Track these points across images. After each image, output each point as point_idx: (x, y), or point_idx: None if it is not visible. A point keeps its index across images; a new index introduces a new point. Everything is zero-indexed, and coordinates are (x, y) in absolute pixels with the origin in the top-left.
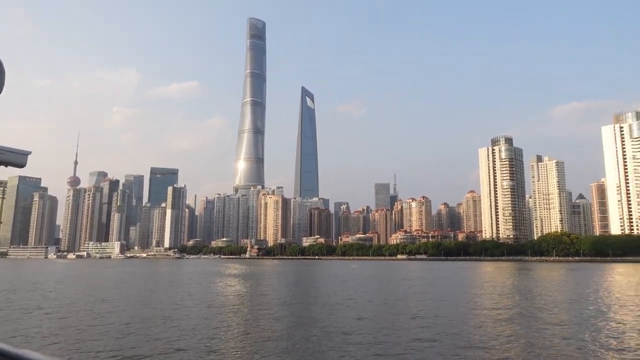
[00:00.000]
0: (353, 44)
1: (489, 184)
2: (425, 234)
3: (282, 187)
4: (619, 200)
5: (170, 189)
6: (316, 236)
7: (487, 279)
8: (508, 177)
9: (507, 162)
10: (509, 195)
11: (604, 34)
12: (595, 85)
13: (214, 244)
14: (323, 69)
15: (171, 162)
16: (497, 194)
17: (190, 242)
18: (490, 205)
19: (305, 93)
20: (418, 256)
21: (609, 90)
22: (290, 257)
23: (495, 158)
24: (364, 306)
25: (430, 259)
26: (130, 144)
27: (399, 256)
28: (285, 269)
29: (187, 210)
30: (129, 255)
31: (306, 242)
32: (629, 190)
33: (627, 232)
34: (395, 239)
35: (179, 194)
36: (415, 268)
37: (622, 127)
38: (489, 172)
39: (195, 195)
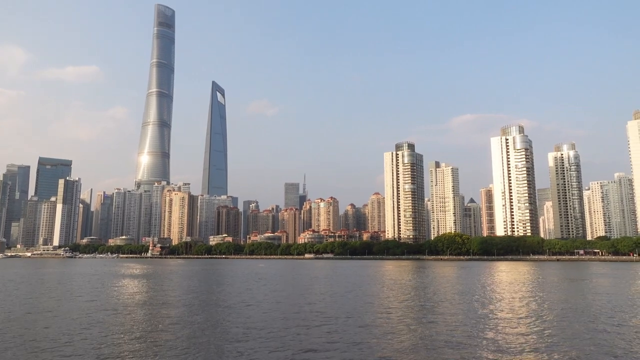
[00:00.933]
0: (266, 41)
1: (392, 187)
2: (332, 234)
3: (189, 184)
4: (503, 205)
5: (61, 181)
6: (224, 235)
7: (388, 276)
8: (409, 181)
9: (409, 167)
10: (410, 198)
11: (497, 52)
12: (490, 100)
13: (111, 242)
14: (235, 65)
15: (64, 152)
16: (399, 196)
17: (85, 240)
18: (393, 207)
19: (216, 88)
20: (325, 255)
21: (499, 104)
22: (196, 256)
23: (398, 162)
24: (268, 305)
25: (337, 257)
26: (13, 131)
27: (306, 255)
28: (189, 269)
29: (81, 205)
30: (9, 254)
31: (213, 240)
32: (511, 196)
33: (509, 233)
34: (304, 238)
35: (72, 187)
36: (321, 266)
37: (507, 139)
38: (392, 175)
39: (92, 189)
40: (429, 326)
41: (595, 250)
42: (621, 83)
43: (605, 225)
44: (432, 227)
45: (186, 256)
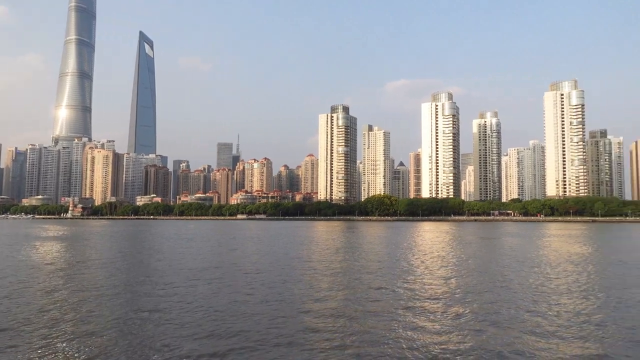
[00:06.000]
0: None
1: (326, 149)
2: (265, 195)
3: (113, 141)
4: (430, 169)
5: None
6: (152, 195)
7: (320, 236)
8: (343, 144)
9: (343, 130)
10: (343, 161)
11: (435, 21)
12: (423, 65)
13: (25, 202)
14: (165, 15)
15: None
16: (332, 158)
17: None
18: (327, 169)
19: (143, 39)
20: (257, 216)
21: (434, 71)
22: (121, 217)
23: (333, 125)
24: (195, 266)
25: (269, 218)
26: None
27: (239, 216)
28: (112, 230)
29: None
30: None
31: (140, 201)
32: (438, 160)
33: (434, 195)
34: (236, 199)
35: None
36: (254, 227)
37: (437, 106)
38: (327, 137)
39: (1, 144)
40: (353, 282)
41: (509, 212)
42: (541, 55)
43: (519, 188)
44: (363, 189)
45: (110, 217)
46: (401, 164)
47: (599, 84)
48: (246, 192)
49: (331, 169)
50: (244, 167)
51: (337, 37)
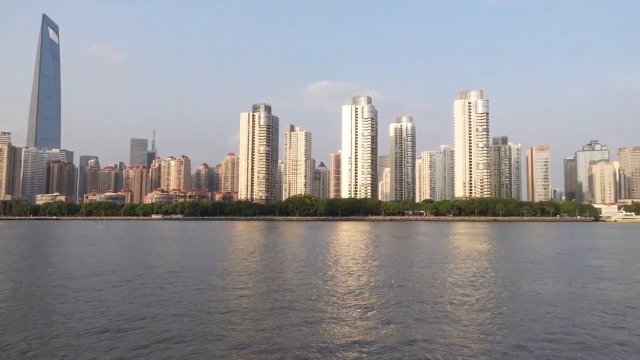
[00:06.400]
0: None
1: (248, 148)
2: (183, 194)
3: (9, 134)
4: (349, 170)
5: None
6: (55, 193)
7: (239, 236)
8: (265, 143)
9: (265, 129)
10: (264, 160)
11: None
12: (344, 68)
13: None
14: None
15: None
16: (254, 157)
17: None
18: (247, 168)
19: (47, 23)
20: (174, 216)
21: (355, 74)
22: (18, 217)
23: (255, 124)
24: (93, 270)
25: (187, 218)
26: None
27: (153, 216)
28: (5, 233)
29: None
30: None
31: (41, 200)
32: (357, 161)
33: (353, 196)
34: (151, 198)
35: None
36: (169, 227)
37: (357, 108)
38: (248, 136)
39: None
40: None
41: (421, 211)
42: (454, 64)
43: (431, 189)
44: (284, 188)
45: (5, 217)
46: (322, 164)
47: (502, 93)
48: (162, 191)
49: (252, 169)
50: (160, 165)
51: (261, 34)
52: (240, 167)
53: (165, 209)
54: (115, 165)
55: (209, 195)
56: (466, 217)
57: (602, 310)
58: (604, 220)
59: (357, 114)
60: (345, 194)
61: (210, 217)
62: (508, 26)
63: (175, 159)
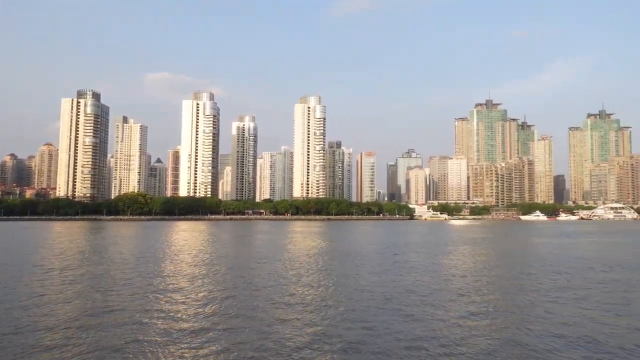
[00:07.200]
0: None
1: (70, 138)
2: None
3: None
4: (189, 167)
5: None
6: None
7: (53, 239)
8: (91, 134)
9: (92, 118)
10: (90, 153)
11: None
12: (188, 61)
13: None
14: None
15: None
16: (77, 149)
17: None
18: (69, 161)
19: None
20: None
21: (198, 69)
22: None
23: (80, 112)
24: None
25: None
26: None
27: None
28: None
29: None
30: None
31: None
32: (197, 159)
33: (192, 194)
34: None
35: None
36: None
37: (198, 104)
38: (71, 125)
39: None
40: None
41: (261, 211)
42: (295, 71)
43: (271, 189)
44: (114, 185)
45: None
46: (159, 160)
47: (338, 100)
48: None
49: (75, 162)
50: None
51: (103, 20)
52: (60, 160)
53: None
54: None
55: (18, 192)
56: (303, 216)
57: (415, 294)
58: (417, 219)
59: (198, 110)
60: (183, 193)
61: (18, 217)
62: (347, 39)
63: None
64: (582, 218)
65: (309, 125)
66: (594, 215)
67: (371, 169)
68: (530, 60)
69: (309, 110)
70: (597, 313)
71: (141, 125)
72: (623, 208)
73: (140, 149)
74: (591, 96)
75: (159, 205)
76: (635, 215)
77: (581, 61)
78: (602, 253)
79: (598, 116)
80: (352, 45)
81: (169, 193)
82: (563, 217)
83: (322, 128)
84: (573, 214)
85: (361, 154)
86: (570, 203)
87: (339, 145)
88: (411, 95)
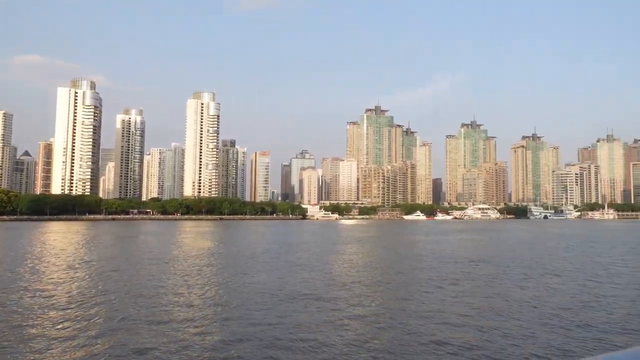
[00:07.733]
0: None
1: None
2: None
3: None
4: (64, 162)
5: None
6: None
7: None
8: None
9: None
10: None
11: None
12: (66, 45)
13: None
14: None
15: None
16: None
17: None
18: None
19: None
20: None
21: (78, 54)
22: None
23: None
24: None
25: None
26: None
27: None
28: None
29: None
30: None
31: None
32: (74, 153)
33: (67, 192)
34: None
35: None
36: None
37: (77, 93)
38: None
39: None
40: None
41: (148, 210)
42: (187, 64)
43: (159, 187)
44: None
45: None
46: (27, 153)
47: (233, 97)
48: None
49: None
50: None
51: None
52: None
53: None
54: None
55: None
56: (194, 216)
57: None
58: (309, 218)
59: (77, 99)
60: (57, 190)
61: None
62: (249, 36)
63: None
64: (455, 217)
65: (202, 122)
66: (465, 215)
67: (265, 168)
68: (416, 70)
69: (202, 107)
70: (468, 300)
71: (4, 113)
72: (488, 209)
73: (3, 139)
74: (467, 106)
75: (26, 204)
76: (498, 215)
77: (459, 75)
78: (467, 250)
79: (470, 126)
80: (249, 44)
81: (38, 190)
82: (440, 216)
83: (216, 125)
84: (448, 213)
85: (256, 153)
86: (446, 204)
87: (233, 143)
88: (308, 98)
